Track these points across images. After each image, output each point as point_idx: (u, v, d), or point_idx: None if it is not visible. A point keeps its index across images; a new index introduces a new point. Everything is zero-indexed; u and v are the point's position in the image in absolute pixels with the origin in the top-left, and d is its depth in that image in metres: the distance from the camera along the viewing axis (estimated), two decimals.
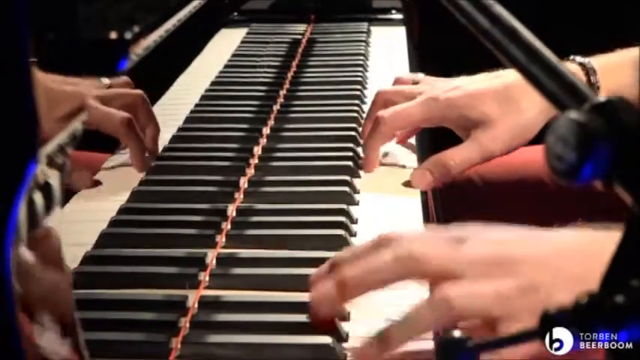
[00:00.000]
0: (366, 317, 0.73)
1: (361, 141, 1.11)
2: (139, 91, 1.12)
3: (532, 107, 1.01)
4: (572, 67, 1.04)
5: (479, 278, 0.65)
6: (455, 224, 0.70)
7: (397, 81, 1.18)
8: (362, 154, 1.08)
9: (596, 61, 1.05)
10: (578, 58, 1.06)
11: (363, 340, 0.67)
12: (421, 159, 1.08)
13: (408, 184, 1.01)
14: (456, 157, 1.01)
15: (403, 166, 1.07)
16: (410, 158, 1.10)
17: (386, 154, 1.09)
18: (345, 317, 0.73)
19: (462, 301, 0.64)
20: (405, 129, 1.08)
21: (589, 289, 0.57)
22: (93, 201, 0.99)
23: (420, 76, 1.16)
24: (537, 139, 1.03)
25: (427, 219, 0.93)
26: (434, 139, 1.17)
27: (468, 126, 1.03)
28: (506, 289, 0.65)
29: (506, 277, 0.65)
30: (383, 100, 1.09)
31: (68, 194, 0.98)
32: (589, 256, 0.64)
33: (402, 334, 0.66)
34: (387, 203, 0.96)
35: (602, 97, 0.43)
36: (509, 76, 1.03)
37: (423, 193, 1.00)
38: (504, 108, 1.01)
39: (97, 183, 1.03)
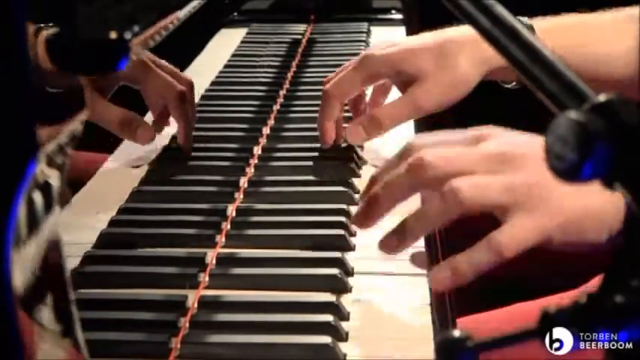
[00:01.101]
0: (366, 318, 0.73)
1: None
2: (189, 77, 1.14)
3: (466, 63, 1.01)
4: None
5: (487, 173, 0.70)
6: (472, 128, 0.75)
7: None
8: (362, 155, 1.08)
9: (538, 22, 1.05)
10: (521, 18, 1.05)
11: (385, 235, 0.75)
12: None
13: (346, 141, 1.06)
14: (388, 112, 1.03)
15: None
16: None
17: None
18: (345, 317, 0.73)
19: (472, 191, 0.69)
20: (352, 94, 1.07)
21: (592, 193, 0.66)
22: (93, 202, 0.99)
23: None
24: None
25: None
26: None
27: (404, 82, 1.03)
28: (514, 181, 0.69)
29: (513, 172, 0.70)
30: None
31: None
32: None
33: (416, 226, 0.72)
34: None
35: (602, 96, 0.43)
36: (449, 32, 1.02)
37: None
38: (439, 63, 1.01)
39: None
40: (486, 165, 0.72)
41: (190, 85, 1.13)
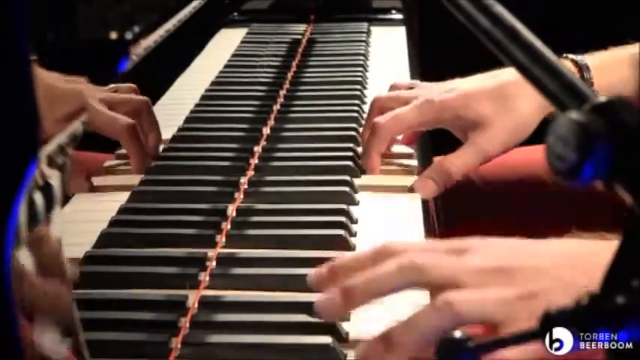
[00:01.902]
0: (366, 318, 0.73)
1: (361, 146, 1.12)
2: (144, 98, 1.12)
3: (527, 105, 1.01)
4: (565, 64, 1.01)
5: (480, 287, 0.67)
6: (455, 238, 0.71)
7: (393, 87, 1.19)
8: (362, 155, 1.08)
9: (590, 59, 1.06)
10: (572, 56, 1.07)
11: (366, 341, 0.67)
12: (420, 158, 1.09)
13: (411, 190, 1.01)
14: (457, 162, 1.02)
15: (403, 165, 1.08)
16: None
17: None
18: (346, 317, 0.73)
19: (465, 305, 0.66)
20: (402, 133, 1.09)
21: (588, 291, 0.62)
22: (92, 201, 0.99)
23: (416, 82, 1.17)
24: (537, 139, 1.03)
25: (427, 219, 0.93)
26: (433, 139, 1.17)
27: (464, 127, 1.03)
28: (507, 295, 0.67)
29: (505, 285, 0.67)
30: (379, 106, 1.10)
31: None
32: (586, 265, 0.66)
33: (404, 337, 0.66)
34: (387, 203, 0.96)
35: (602, 97, 0.43)
36: (505, 74, 1.03)
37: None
38: (499, 107, 1.02)
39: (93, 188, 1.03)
40: (478, 277, 0.69)
41: (146, 105, 1.11)
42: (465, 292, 0.67)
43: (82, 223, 0.91)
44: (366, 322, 0.73)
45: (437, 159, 1.05)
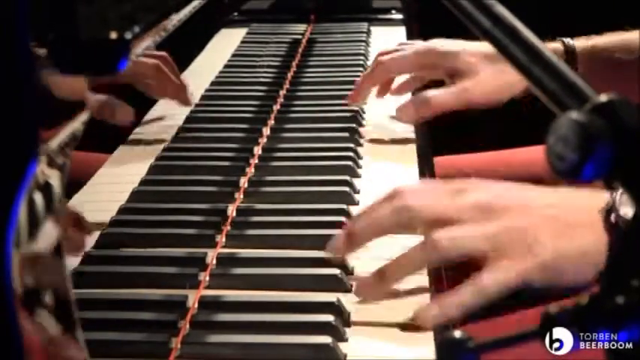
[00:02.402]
0: (366, 318, 0.73)
1: (361, 140, 1.12)
2: (161, 53, 1.22)
3: (514, 72, 1.05)
4: (554, 46, 1.14)
5: (469, 223, 0.74)
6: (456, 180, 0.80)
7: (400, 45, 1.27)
8: (362, 154, 1.08)
9: (579, 42, 1.15)
10: (565, 39, 1.15)
11: (363, 277, 0.77)
12: (420, 158, 1.10)
13: (393, 117, 1.15)
14: (438, 95, 1.12)
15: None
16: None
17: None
18: (345, 317, 0.73)
19: (450, 241, 0.73)
20: (400, 73, 1.20)
21: (572, 236, 0.72)
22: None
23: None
24: (537, 139, 1.03)
25: None
26: (433, 139, 1.18)
27: (456, 76, 1.13)
28: (492, 230, 0.74)
29: (493, 220, 0.74)
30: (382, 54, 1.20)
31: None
32: (573, 205, 0.73)
33: (396, 272, 0.75)
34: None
35: (603, 97, 0.43)
36: None
37: None
38: (490, 65, 1.12)
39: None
40: (467, 214, 0.75)
41: (164, 57, 1.22)
42: (452, 228, 0.74)
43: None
44: (365, 322, 0.73)
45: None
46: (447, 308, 0.73)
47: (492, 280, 0.72)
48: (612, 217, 0.70)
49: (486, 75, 1.12)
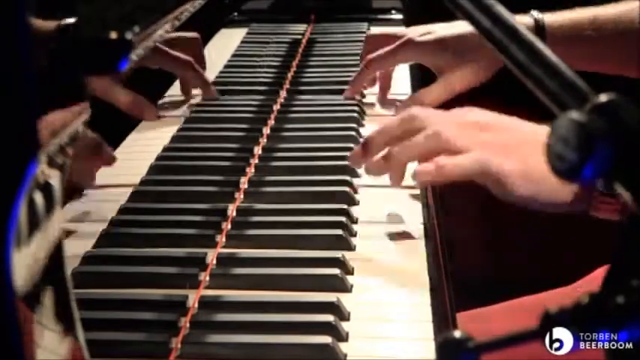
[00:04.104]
0: (366, 318, 0.74)
1: (361, 140, 1.13)
2: (194, 34, 1.36)
3: (486, 55, 1.17)
4: (524, 19, 1.18)
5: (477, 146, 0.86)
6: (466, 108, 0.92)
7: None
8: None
9: (550, 17, 1.19)
10: (534, 13, 1.20)
11: (371, 160, 0.93)
12: None
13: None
14: (428, 94, 1.22)
15: None
16: None
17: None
18: (345, 317, 0.73)
19: (452, 136, 0.86)
20: (388, 68, 1.30)
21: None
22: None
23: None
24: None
25: (428, 218, 0.93)
26: None
27: (437, 65, 1.23)
28: (487, 137, 0.86)
29: (484, 134, 0.86)
30: (371, 42, 1.33)
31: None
32: None
33: (400, 154, 0.89)
34: (387, 204, 0.96)
35: (603, 97, 0.43)
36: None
37: (424, 192, 1.00)
38: (468, 51, 1.20)
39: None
40: (464, 127, 0.88)
41: (196, 41, 1.37)
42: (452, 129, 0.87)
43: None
44: (365, 322, 0.73)
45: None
46: (444, 165, 0.85)
47: (487, 158, 0.85)
48: None
49: (467, 67, 1.21)
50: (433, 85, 1.24)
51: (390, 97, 1.32)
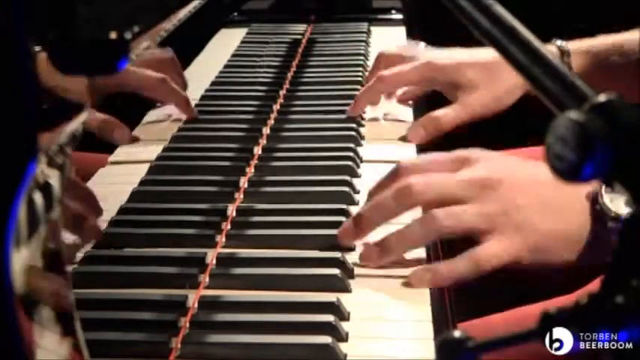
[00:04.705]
0: (366, 318, 0.73)
1: (361, 140, 1.13)
2: (167, 54, 1.27)
3: (510, 80, 1.15)
4: (549, 48, 1.15)
5: (465, 200, 0.81)
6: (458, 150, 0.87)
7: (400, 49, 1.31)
8: (362, 154, 1.08)
9: (573, 45, 1.19)
10: (558, 42, 1.19)
11: (366, 245, 0.82)
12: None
13: (404, 138, 1.16)
14: (446, 114, 1.17)
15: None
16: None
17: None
18: (345, 317, 0.73)
19: (450, 216, 0.80)
20: (399, 88, 1.25)
21: (560, 219, 0.81)
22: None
23: (422, 45, 1.30)
24: (537, 140, 1.03)
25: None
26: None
27: (455, 89, 1.18)
28: (488, 209, 0.80)
29: (488, 199, 0.81)
30: (384, 61, 1.26)
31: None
32: (564, 189, 0.74)
33: (397, 244, 0.81)
34: None
35: (602, 97, 0.43)
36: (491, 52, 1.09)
37: None
38: (487, 76, 1.17)
39: (136, 139, 1.17)
40: (466, 190, 0.82)
41: (171, 60, 1.27)
42: (450, 207, 0.81)
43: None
44: (365, 322, 0.73)
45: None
46: (440, 274, 0.79)
47: (486, 254, 0.79)
48: (597, 206, 0.81)
49: (486, 87, 1.17)
50: (450, 107, 1.19)
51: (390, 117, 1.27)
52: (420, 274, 0.79)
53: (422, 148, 1.14)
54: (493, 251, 0.80)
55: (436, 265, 0.80)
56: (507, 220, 0.80)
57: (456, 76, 1.18)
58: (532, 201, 0.81)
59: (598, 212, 0.81)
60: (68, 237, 0.85)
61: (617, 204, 0.80)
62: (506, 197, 0.81)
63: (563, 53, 1.17)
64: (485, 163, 0.85)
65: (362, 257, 0.82)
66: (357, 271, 0.81)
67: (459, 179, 0.83)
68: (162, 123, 1.25)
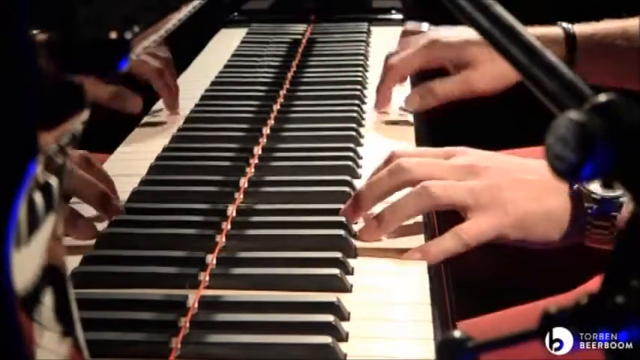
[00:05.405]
0: (366, 318, 0.74)
1: (361, 140, 1.13)
2: (165, 54, 1.29)
3: None
4: (555, 30, 1.20)
5: (454, 179, 0.86)
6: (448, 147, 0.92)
7: (404, 32, 1.34)
8: (362, 154, 1.08)
9: (579, 27, 1.20)
10: (564, 24, 1.21)
11: (365, 222, 0.88)
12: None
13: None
14: (442, 85, 1.20)
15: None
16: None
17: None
18: (345, 317, 0.73)
19: (439, 189, 0.85)
20: (413, 70, 1.26)
21: (541, 200, 0.86)
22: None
23: (425, 26, 1.33)
24: (537, 140, 1.03)
25: (429, 218, 0.93)
26: (434, 139, 1.19)
27: (460, 65, 1.20)
28: (476, 186, 0.86)
29: (476, 179, 0.86)
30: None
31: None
32: (545, 174, 0.76)
33: (391, 216, 0.86)
34: (387, 203, 0.96)
35: (602, 96, 0.43)
36: None
37: None
38: (490, 55, 1.14)
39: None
40: (454, 173, 0.87)
41: (167, 60, 1.28)
42: (441, 181, 0.86)
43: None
44: (365, 322, 0.73)
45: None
46: (428, 252, 0.83)
47: (471, 229, 0.84)
48: (575, 186, 0.86)
49: (488, 64, 1.18)
50: (449, 78, 1.22)
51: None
52: (409, 255, 0.83)
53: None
54: (478, 227, 0.84)
55: (425, 244, 0.85)
56: (492, 198, 0.85)
57: (460, 53, 1.20)
58: (516, 183, 0.86)
59: (576, 193, 0.86)
60: (94, 212, 0.91)
61: (594, 185, 0.85)
62: (492, 178, 0.86)
63: (569, 36, 1.19)
64: (474, 155, 0.90)
65: (361, 233, 0.87)
66: (357, 270, 0.81)
67: (448, 164, 0.89)
68: (162, 123, 1.25)
